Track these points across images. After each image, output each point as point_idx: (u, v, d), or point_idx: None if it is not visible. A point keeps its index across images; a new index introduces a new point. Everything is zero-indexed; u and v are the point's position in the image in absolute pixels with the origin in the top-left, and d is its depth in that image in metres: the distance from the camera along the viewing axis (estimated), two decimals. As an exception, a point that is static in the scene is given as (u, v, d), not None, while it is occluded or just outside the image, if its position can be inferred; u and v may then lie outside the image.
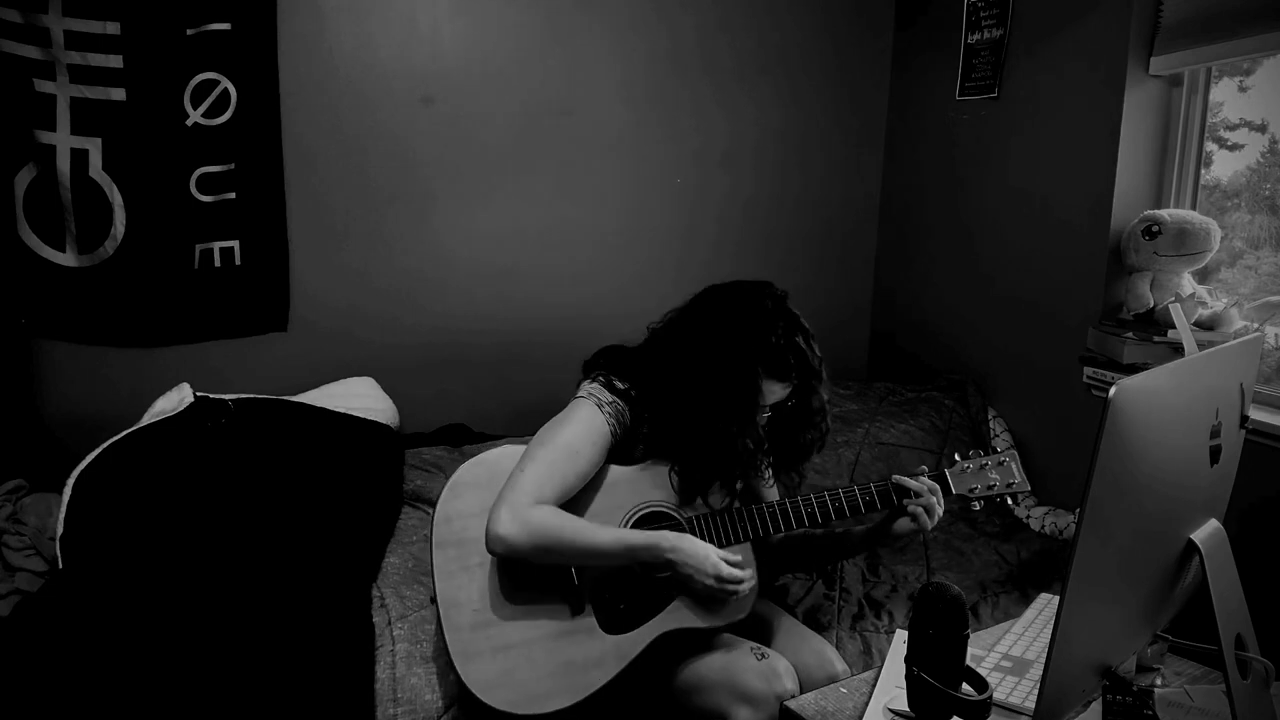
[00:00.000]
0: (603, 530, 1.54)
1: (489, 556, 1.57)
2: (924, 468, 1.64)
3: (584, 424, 1.56)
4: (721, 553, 1.55)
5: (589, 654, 1.54)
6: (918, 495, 1.59)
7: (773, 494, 1.81)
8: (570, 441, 1.55)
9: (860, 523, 1.73)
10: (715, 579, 1.52)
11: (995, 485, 1.64)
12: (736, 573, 1.54)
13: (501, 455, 1.62)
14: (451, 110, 2.67)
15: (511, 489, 1.50)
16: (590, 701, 1.52)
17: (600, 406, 1.58)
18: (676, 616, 1.58)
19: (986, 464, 1.65)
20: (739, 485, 1.67)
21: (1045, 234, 2.61)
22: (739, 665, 1.51)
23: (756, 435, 1.60)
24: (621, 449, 1.63)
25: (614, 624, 1.56)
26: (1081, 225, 2.48)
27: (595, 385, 1.61)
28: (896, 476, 1.62)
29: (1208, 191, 2.43)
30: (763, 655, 1.53)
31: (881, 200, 3.30)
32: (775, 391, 1.59)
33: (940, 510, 1.59)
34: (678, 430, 1.60)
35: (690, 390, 1.57)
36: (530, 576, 1.57)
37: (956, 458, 1.68)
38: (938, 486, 1.61)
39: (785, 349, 1.55)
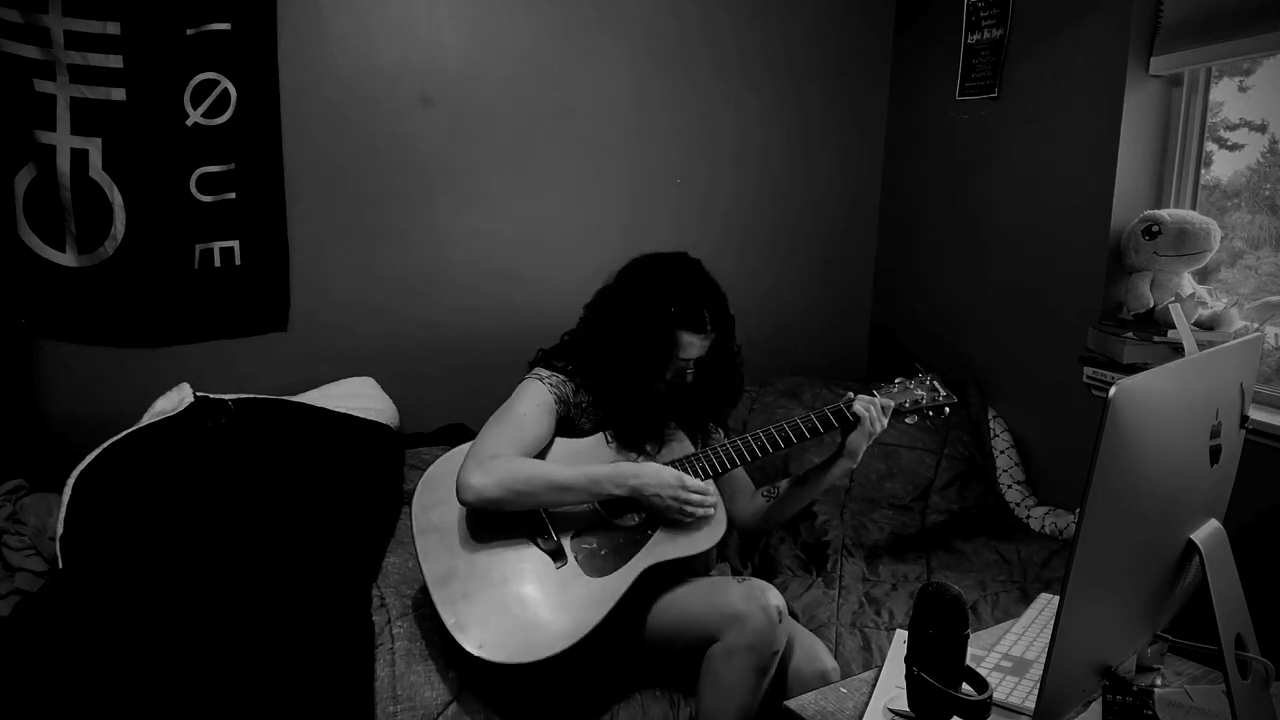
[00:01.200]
0: (565, 467, 1.65)
1: (468, 534, 1.66)
2: (850, 394, 1.77)
3: (528, 395, 1.73)
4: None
5: (579, 598, 1.60)
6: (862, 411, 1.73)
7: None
8: (518, 410, 1.71)
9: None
10: (681, 488, 1.64)
11: (922, 400, 1.81)
12: (700, 484, 1.67)
13: (468, 448, 1.70)
14: (452, 110, 2.68)
15: (472, 452, 1.64)
16: (585, 644, 1.55)
17: (542, 379, 1.76)
18: (657, 551, 1.66)
19: (910, 384, 1.83)
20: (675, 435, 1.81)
21: (1045, 234, 2.61)
22: (722, 590, 1.59)
23: (670, 384, 1.76)
24: (569, 423, 1.78)
25: (598, 569, 1.64)
26: (1081, 225, 2.48)
27: (537, 367, 1.80)
28: (844, 398, 1.76)
29: (1208, 191, 2.43)
30: (743, 578, 1.63)
31: (882, 200, 3.30)
32: (693, 344, 1.73)
33: (883, 420, 1.74)
34: (607, 387, 1.75)
35: (614, 347, 1.73)
36: (511, 540, 1.65)
37: (882, 384, 1.84)
38: (876, 399, 1.76)
39: (699, 304, 1.72)
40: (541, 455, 1.71)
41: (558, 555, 1.64)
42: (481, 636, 1.54)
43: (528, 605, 1.58)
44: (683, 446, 1.79)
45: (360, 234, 2.64)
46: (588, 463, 1.68)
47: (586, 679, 1.63)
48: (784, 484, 1.87)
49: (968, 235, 2.92)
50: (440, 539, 1.66)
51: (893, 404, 1.77)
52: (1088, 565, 0.91)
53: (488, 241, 2.78)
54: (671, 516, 1.65)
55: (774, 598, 1.55)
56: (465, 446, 1.72)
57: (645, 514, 1.70)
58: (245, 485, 2.07)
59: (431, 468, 1.76)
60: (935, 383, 1.83)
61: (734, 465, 1.74)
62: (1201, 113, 2.35)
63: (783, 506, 1.87)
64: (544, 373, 1.77)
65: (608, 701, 1.66)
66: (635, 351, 1.71)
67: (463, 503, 1.61)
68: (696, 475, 1.70)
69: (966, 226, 2.92)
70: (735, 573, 2.11)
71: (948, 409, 1.82)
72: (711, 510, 1.67)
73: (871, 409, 1.72)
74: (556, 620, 1.56)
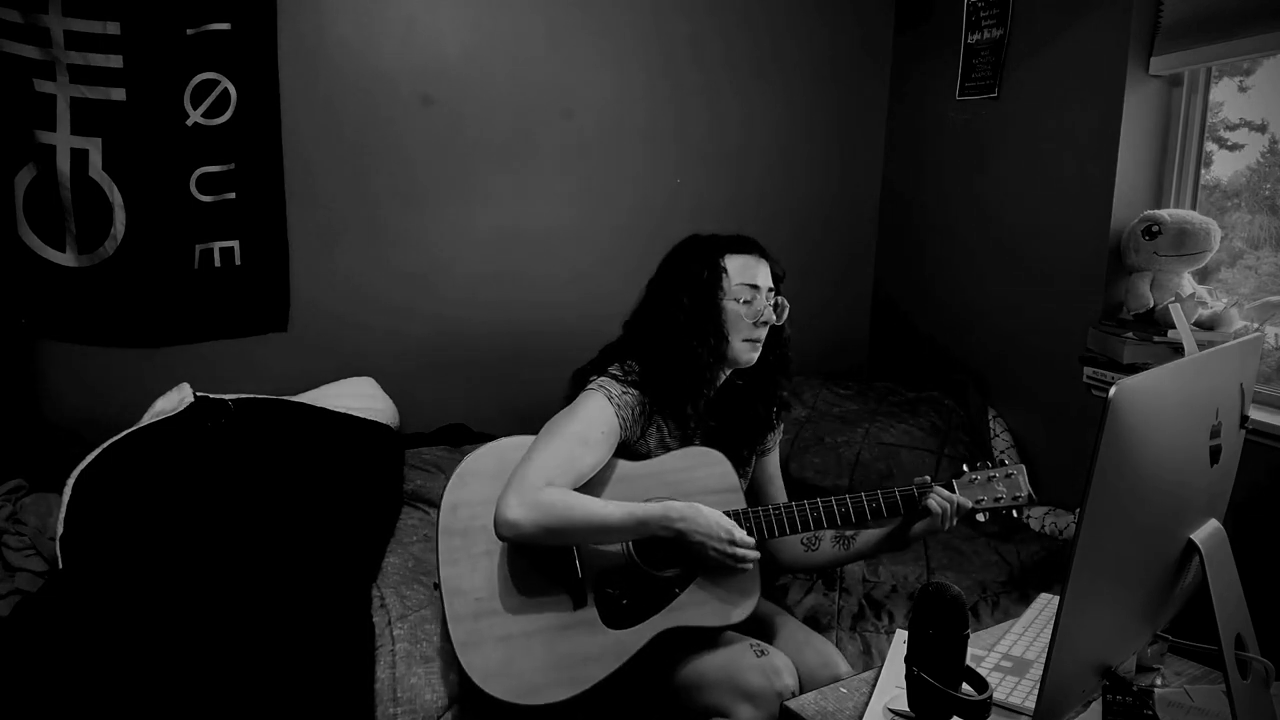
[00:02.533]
0: (611, 505, 1.53)
1: (494, 546, 1.58)
2: (927, 477, 1.64)
3: (593, 415, 1.57)
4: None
5: (589, 648, 1.54)
6: (938, 511, 1.60)
7: (780, 496, 1.84)
8: (579, 431, 1.55)
9: (869, 527, 1.73)
10: (729, 542, 1.51)
11: (1002, 498, 1.64)
12: (748, 539, 1.54)
13: (511, 445, 1.62)
14: (451, 110, 2.68)
15: (519, 475, 1.50)
16: (589, 695, 1.52)
17: (611, 398, 1.60)
18: (678, 615, 1.58)
19: (994, 476, 1.65)
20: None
21: (1045, 234, 2.61)
22: (739, 663, 1.52)
23: (721, 331, 1.64)
24: (632, 445, 1.64)
25: (616, 619, 1.56)
26: (1081, 225, 2.48)
27: (605, 378, 1.63)
28: (918, 480, 1.63)
29: (1208, 191, 2.43)
30: (762, 652, 1.53)
31: (881, 200, 3.30)
32: (748, 267, 1.66)
33: (953, 522, 1.61)
34: (663, 353, 1.63)
35: (665, 301, 1.65)
36: (534, 568, 1.57)
37: (965, 469, 1.67)
38: (954, 498, 1.62)
39: (739, 236, 1.71)
40: (598, 479, 1.59)
41: (578, 596, 1.56)
42: (484, 664, 1.51)
43: (533, 645, 1.53)
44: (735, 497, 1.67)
45: (360, 233, 2.64)
46: (647, 489, 1.59)
47: (587, 713, 1.58)
48: (827, 539, 1.77)
49: (967, 235, 2.92)
50: (464, 546, 1.58)
51: (969, 505, 1.62)
52: (1088, 565, 0.91)
53: (488, 240, 2.78)
54: (712, 564, 1.55)
55: (789, 680, 1.48)
56: (511, 441, 1.62)
57: (681, 570, 1.60)
58: (245, 485, 2.07)
59: (469, 460, 1.64)
60: (1021, 479, 1.65)
61: (785, 533, 1.63)
62: (1201, 113, 2.36)
63: (821, 561, 1.79)
64: (614, 389, 1.60)
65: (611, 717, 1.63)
66: (687, 290, 1.63)
67: (500, 537, 1.50)
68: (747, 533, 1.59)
69: (966, 226, 2.92)
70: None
71: (1020, 510, 1.68)
72: (750, 565, 1.57)
73: (947, 507, 1.59)
74: (559, 668, 1.52)
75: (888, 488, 1.63)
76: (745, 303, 1.65)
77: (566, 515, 1.48)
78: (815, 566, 1.83)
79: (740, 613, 1.59)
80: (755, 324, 1.65)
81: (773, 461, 1.85)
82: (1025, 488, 1.65)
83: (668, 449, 1.67)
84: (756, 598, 1.60)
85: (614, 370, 1.64)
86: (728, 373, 1.73)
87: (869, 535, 1.73)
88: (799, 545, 1.79)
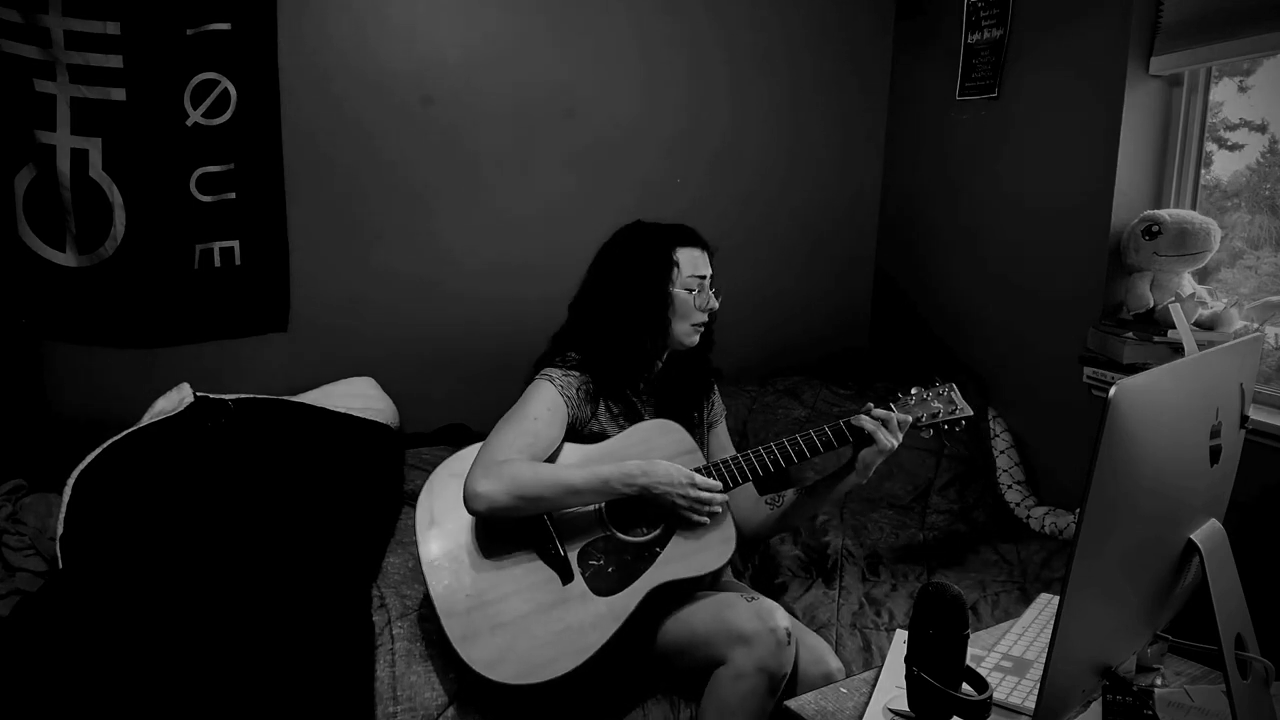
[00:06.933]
0: (574, 470, 1.62)
1: (475, 543, 1.63)
2: (870, 405, 1.71)
3: (539, 397, 1.68)
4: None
5: (584, 617, 1.57)
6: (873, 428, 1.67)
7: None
8: (527, 412, 1.66)
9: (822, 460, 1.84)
10: (692, 486, 1.61)
11: (939, 413, 1.74)
12: (710, 481, 1.64)
13: (474, 451, 1.68)
14: (451, 110, 2.68)
15: (481, 455, 1.60)
16: (592, 664, 1.54)
17: (553, 380, 1.71)
18: (664, 570, 1.63)
19: (928, 396, 1.76)
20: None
21: (1045, 234, 2.61)
22: (730, 610, 1.56)
23: (667, 319, 1.73)
24: (584, 426, 1.74)
25: (604, 588, 1.61)
26: (1081, 225, 2.48)
27: (548, 367, 1.75)
28: (868, 406, 1.71)
29: (1208, 191, 2.43)
30: (752, 598, 1.59)
31: (882, 200, 3.30)
32: (697, 259, 1.74)
33: (898, 437, 1.67)
34: (609, 338, 1.72)
35: (614, 288, 1.73)
36: (517, 555, 1.63)
37: (899, 394, 1.77)
38: (891, 415, 1.69)
39: (684, 227, 1.78)
40: (552, 459, 1.66)
41: (564, 572, 1.61)
42: (485, 654, 1.52)
43: (530, 626, 1.56)
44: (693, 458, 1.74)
45: (360, 234, 2.64)
46: (598, 465, 1.64)
47: (589, 684, 1.61)
48: (789, 494, 1.83)
49: (967, 235, 2.92)
50: (445, 547, 1.63)
51: (909, 419, 1.70)
52: (1088, 565, 0.91)
53: (488, 240, 2.78)
54: (682, 515, 1.62)
55: (782, 619, 1.52)
56: (474, 447, 1.69)
57: (654, 530, 1.67)
58: (245, 485, 2.07)
59: (438, 469, 1.73)
60: (953, 394, 1.77)
61: (744, 480, 1.69)
62: (1201, 113, 2.35)
63: (787, 517, 1.83)
64: (554, 373, 1.72)
65: (609, 704, 1.65)
66: (638, 280, 1.71)
67: (472, 512, 1.57)
68: None
69: (966, 227, 2.92)
70: (737, 574, 2.10)
71: (964, 421, 1.76)
72: (719, 509, 1.64)
73: (883, 427, 1.66)
74: (560, 642, 1.54)
75: (833, 421, 1.72)
76: (695, 293, 1.74)
77: (532, 480, 1.56)
78: (787, 525, 1.88)
79: (720, 556, 1.66)
80: (702, 311, 1.76)
81: (723, 432, 1.94)
82: (959, 401, 1.76)
83: (621, 427, 1.75)
84: (734, 538, 1.68)
85: (556, 361, 1.75)
86: (666, 354, 1.83)
87: (825, 478, 1.79)
88: (765, 506, 1.85)
